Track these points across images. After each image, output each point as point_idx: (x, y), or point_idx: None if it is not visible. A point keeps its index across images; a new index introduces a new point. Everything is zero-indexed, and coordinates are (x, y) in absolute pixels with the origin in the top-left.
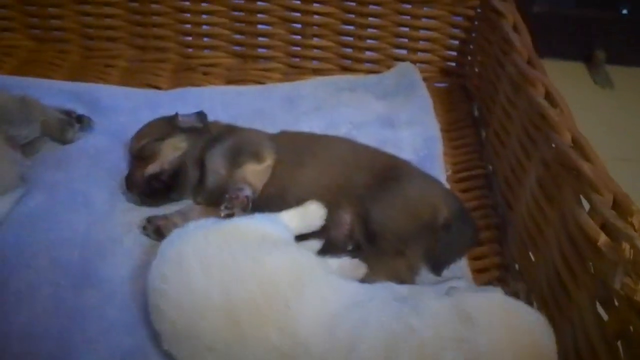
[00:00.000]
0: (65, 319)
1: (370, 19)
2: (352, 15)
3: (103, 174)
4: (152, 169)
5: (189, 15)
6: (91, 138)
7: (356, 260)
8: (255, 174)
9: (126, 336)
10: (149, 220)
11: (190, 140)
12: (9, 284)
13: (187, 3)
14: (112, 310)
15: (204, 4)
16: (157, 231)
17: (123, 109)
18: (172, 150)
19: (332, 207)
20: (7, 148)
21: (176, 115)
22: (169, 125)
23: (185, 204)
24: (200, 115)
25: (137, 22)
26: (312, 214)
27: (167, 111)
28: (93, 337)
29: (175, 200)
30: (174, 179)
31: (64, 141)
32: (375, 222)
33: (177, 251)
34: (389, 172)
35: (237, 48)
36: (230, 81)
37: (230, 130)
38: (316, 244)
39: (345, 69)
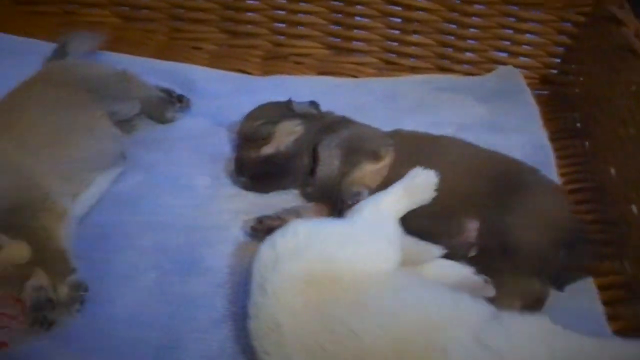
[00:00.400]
0: (173, 305)
1: (474, 18)
2: (456, 14)
3: (204, 158)
4: (267, 150)
5: (284, 1)
6: (191, 120)
7: (483, 279)
8: (372, 174)
9: (237, 330)
10: (260, 220)
11: (305, 126)
12: (114, 265)
13: None
14: (222, 301)
15: None
16: (269, 232)
17: (219, 92)
18: (287, 134)
19: (453, 214)
20: (110, 123)
21: (290, 100)
22: (283, 109)
23: (291, 195)
24: (314, 103)
25: (229, 5)
26: (421, 185)
27: (265, 97)
28: (202, 327)
29: (284, 188)
30: (288, 163)
31: (162, 121)
32: (509, 235)
33: None
34: (517, 178)
35: (332, 39)
36: (321, 72)
37: (345, 122)
38: (436, 250)
39: (443, 69)
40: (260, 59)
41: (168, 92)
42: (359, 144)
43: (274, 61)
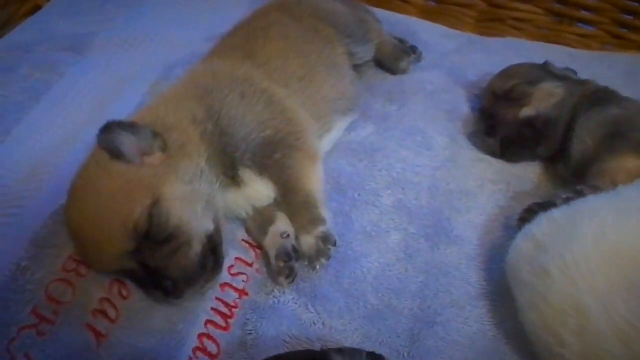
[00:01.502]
0: (422, 274)
1: None
2: None
3: (441, 115)
4: (526, 112)
5: None
6: (424, 73)
7: None
8: (629, 172)
9: (495, 311)
10: (531, 209)
11: (566, 90)
12: (354, 220)
13: None
14: (476, 276)
15: None
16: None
17: (446, 48)
18: (547, 96)
19: None
20: (350, 64)
21: (547, 62)
22: (540, 70)
23: (538, 166)
24: (570, 69)
25: None
26: None
27: (500, 59)
28: (460, 303)
29: (534, 159)
30: (547, 129)
31: (395, 71)
32: None
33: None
34: None
35: (557, 5)
36: (540, 41)
37: (613, 95)
38: None
39: None
40: (473, 19)
41: (401, 41)
42: (627, 129)
43: (490, 23)
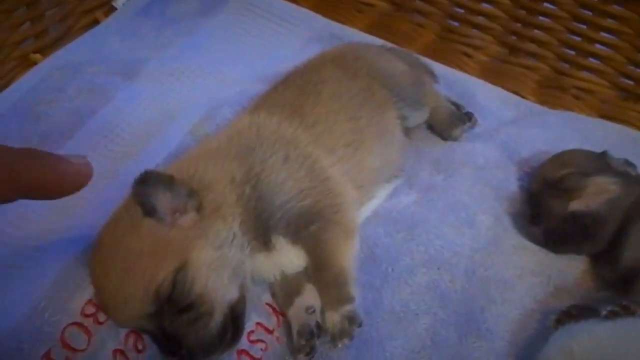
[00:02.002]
0: None
1: None
2: None
3: (488, 192)
4: (575, 205)
5: (584, 27)
6: (476, 143)
7: None
8: None
9: None
10: (569, 312)
11: (621, 188)
12: (384, 297)
13: (589, 13)
14: None
15: (609, 20)
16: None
17: (503, 115)
18: (600, 192)
19: None
20: (401, 129)
21: (606, 152)
22: (596, 160)
23: (582, 262)
24: (630, 163)
25: (518, 17)
26: None
27: (558, 135)
28: None
29: (580, 253)
30: (595, 227)
31: (447, 137)
32: None
33: None
34: None
35: (626, 81)
36: (602, 116)
37: None
38: None
39: None
40: (536, 83)
41: (457, 106)
42: None
43: (551, 90)
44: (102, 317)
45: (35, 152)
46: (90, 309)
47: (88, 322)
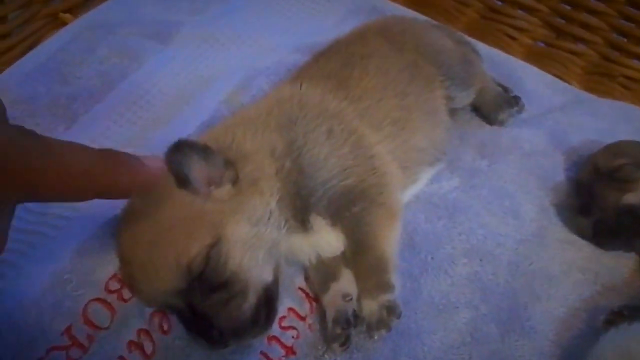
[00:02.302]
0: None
1: None
2: None
3: (534, 180)
4: (630, 198)
5: (638, 12)
6: (523, 129)
7: None
8: None
9: None
10: (620, 312)
11: None
12: (423, 288)
13: None
14: None
15: None
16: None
17: (553, 102)
18: None
19: None
20: (445, 110)
21: None
22: None
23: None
24: None
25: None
26: None
27: (610, 125)
28: None
29: (630, 250)
30: None
31: (493, 121)
32: None
33: None
34: None
35: None
36: None
37: None
38: None
39: None
40: (581, 70)
41: (505, 89)
42: None
43: (598, 77)
44: (127, 294)
45: (110, 154)
46: (115, 285)
47: (112, 298)
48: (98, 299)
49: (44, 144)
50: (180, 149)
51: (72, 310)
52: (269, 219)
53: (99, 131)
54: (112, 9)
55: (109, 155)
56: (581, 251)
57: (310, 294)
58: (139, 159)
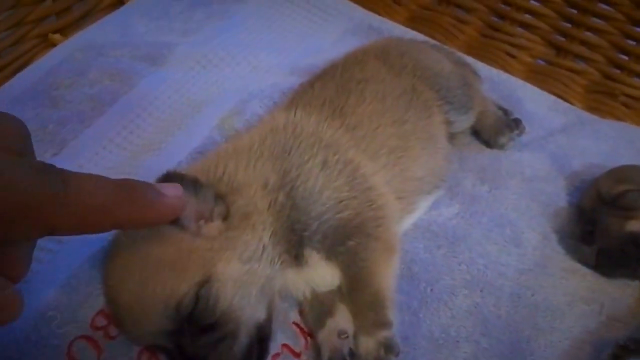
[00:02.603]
0: None
1: None
2: None
3: (536, 207)
4: (634, 226)
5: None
6: (526, 153)
7: None
8: None
9: None
10: (625, 346)
11: None
12: (422, 321)
13: None
14: None
15: None
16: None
17: (554, 124)
18: None
19: None
20: (445, 136)
21: None
22: None
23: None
24: None
25: (568, 17)
26: None
27: (611, 147)
28: None
29: (636, 278)
30: None
31: (492, 145)
32: None
33: None
34: None
35: None
36: None
37: None
38: None
39: None
40: (582, 88)
41: (504, 111)
42: None
43: (600, 96)
44: (113, 330)
45: (128, 185)
46: (102, 321)
47: (98, 335)
48: (84, 336)
49: (62, 179)
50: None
51: (58, 349)
52: (261, 254)
53: (87, 156)
54: (104, 30)
55: (127, 187)
56: (585, 281)
57: (305, 329)
58: (156, 188)
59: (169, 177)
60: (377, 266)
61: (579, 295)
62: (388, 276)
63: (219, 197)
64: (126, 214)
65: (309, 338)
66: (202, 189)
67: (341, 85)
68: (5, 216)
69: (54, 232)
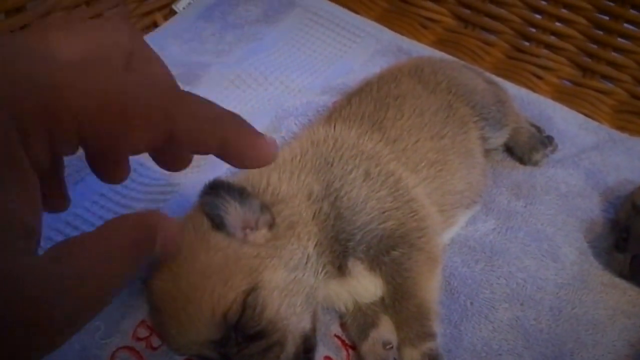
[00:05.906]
0: None
1: None
2: None
3: (573, 222)
4: None
5: None
6: (561, 170)
7: None
8: None
9: None
10: None
11: None
12: (464, 334)
13: None
14: None
15: None
16: None
17: (586, 142)
18: None
19: None
20: (481, 151)
21: None
22: None
23: None
24: None
25: (595, 38)
26: None
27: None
28: None
29: None
30: None
31: (527, 161)
32: None
33: None
34: None
35: None
36: None
37: None
38: None
39: None
40: (610, 108)
41: (537, 129)
42: None
43: (627, 115)
44: (156, 341)
45: (237, 115)
46: (144, 332)
47: (140, 346)
48: (126, 347)
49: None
50: (216, 191)
51: (99, 359)
52: (306, 264)
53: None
54: None
55: (236, 115)
56: (625, 295)
57: (346, 341)
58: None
59: (215, 186)
60: (421, 277)
61: (621, 310)
62: (432, 287)
63: (265, 207)
64: (235, 135)
65: (350, 350)
66: (248, 198)
67: (378, 101)
68: (130, 112)
69: (172, 138)
